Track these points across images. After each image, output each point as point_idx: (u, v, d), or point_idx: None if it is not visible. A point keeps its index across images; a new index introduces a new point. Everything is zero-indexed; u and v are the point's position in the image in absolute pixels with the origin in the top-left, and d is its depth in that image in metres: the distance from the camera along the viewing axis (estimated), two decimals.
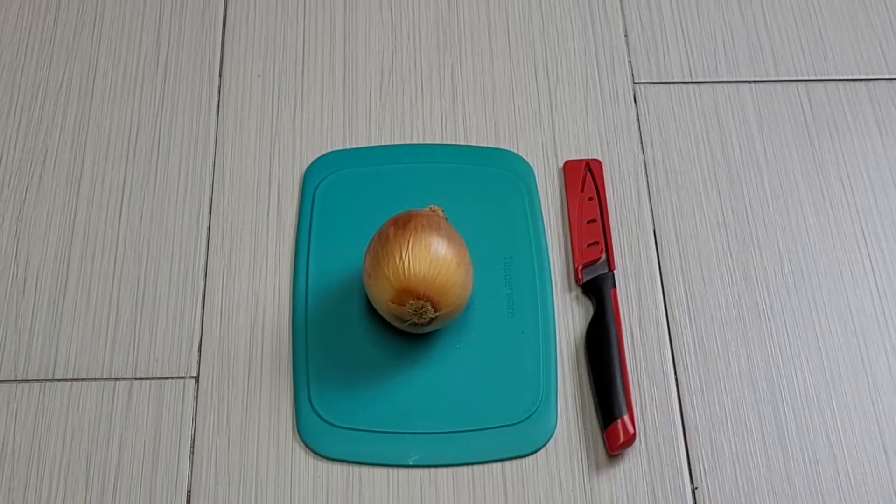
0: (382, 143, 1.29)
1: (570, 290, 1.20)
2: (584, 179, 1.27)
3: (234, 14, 1.37)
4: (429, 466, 1.11)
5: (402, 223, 1.12)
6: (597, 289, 1.19)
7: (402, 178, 1.26)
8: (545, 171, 1.27)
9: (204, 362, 1.16)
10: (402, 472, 1.11)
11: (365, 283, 1.14)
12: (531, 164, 1.27)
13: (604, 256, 1.22)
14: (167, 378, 1.15)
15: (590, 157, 1.28)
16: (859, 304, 1.20)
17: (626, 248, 1.23)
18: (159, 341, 1.17)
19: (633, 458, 1.12)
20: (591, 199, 1.25)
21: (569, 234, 1.23)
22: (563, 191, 1.26)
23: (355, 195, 1.24)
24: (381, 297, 1.12)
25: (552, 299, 1.19)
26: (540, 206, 1.25)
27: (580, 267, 1.21)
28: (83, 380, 1.15)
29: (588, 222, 1.24)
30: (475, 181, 1.22)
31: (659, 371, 1.16)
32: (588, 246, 1.22)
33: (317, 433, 1.12)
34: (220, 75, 1.33)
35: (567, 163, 1.27)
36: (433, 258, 1.10)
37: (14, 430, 1.12)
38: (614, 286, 1.19)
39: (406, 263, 1.10)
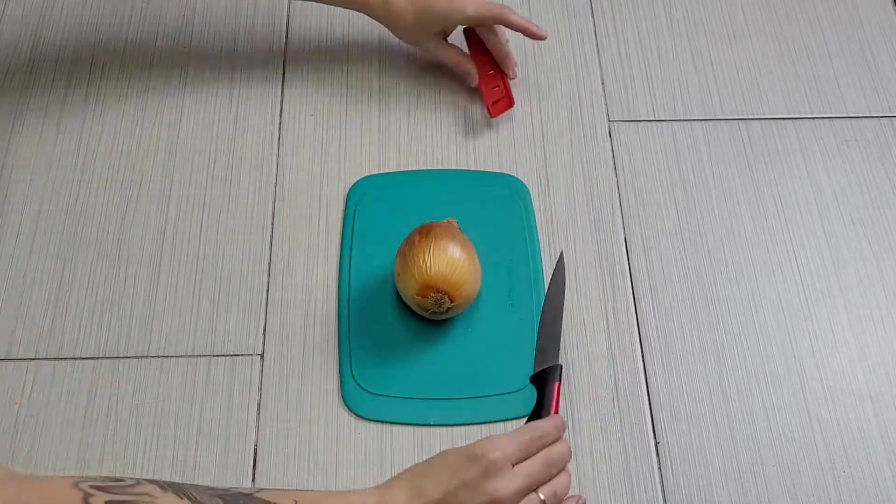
0: (409, 169, 1.29)
1: None
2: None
3: (292, 66, 1.37)
4: (446, 425, 1.12)
5: (425, 232, 1.13)
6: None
7: (425, 196, 1.25)
8: (538, 190, 1.28)
9: (268, 343, 1.16)
10: (425, 429, 1.12)
11: (395, 279, 1.15)
12: (527, 185, 1.28)
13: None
14: (238, 355, 1.15)
15: (574, 184, 1.29)
16: (787, 297, 1.21)
17: (603, 252, 1.23)
18: (232, 326, 1.17)
19: (609, 418, 1.12)
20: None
21: (555, 243, 1.24)
22: (553, 206, 1.27)
23: (388, 210, 1.23)
24: (409, 291, 1.12)
25: (545, 291, 1.19)
26: (534, 217, 1.25)
27: None
28: (172, 356, 1.15)
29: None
30: (483, 198, 1.21)
31: (629, 349, 1.17)
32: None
33: (357, 399, 1.12)
34: (280, 114, 1.33)
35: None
36: (449, 260, 1.11)
37: (117, 396, 1.12)
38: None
39: (428, 264, 1.11)
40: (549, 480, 0.97)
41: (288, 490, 0.95)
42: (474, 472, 0.93)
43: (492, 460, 0.94)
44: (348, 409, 1.12)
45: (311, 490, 0.97)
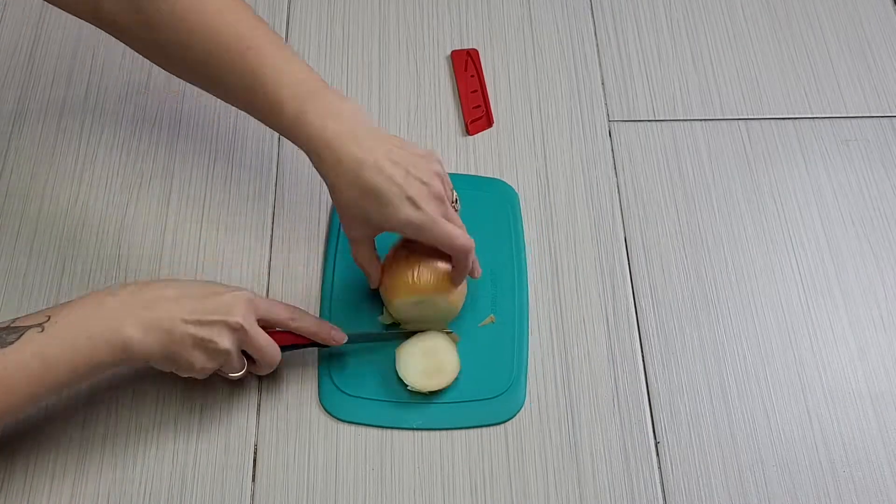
0: None
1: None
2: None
3: None
4: (430, 429, 1.11)
5: (411, 248, 1.12)
6: None
7: None
8: (538, 190, 1.28)
9: None
10: (408, 433, 1.12)
11: (382, 294, 1.14)
12: (526, 187, 1.28)
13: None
14: None
15: (574, 184, 1.29)
16: (787, 297, 1.21)
17: (603, 252, 1.24)
18: None
19: (609, 418, 1.12)
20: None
21: (547, 251, 1.25)
22: (553, 206, 1.27)
23: None
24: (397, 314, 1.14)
25: (527, 299, 1.20)
26: (522, 223, 1.25)
27: None
28: None
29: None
30: (472, 203, 1.18)
31: (629, 349, 1.17)
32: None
33: (335, 402, 1.12)
34: None
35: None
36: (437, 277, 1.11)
37: (117, 396, 1.12)
38: None
39: (416, 280, 1.10)
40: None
41: (42, 309, 0.98)
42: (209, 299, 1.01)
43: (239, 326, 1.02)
44: (325, 411, 1.12)
45: (65, 304, 1.00)
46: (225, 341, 1.00)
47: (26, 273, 1.20)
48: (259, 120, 1.10)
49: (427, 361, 1.12)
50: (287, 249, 1.23)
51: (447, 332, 1.14)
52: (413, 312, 1.12)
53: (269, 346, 1.05)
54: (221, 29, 1.05)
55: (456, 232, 1.05)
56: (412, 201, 1.02)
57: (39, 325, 0.94)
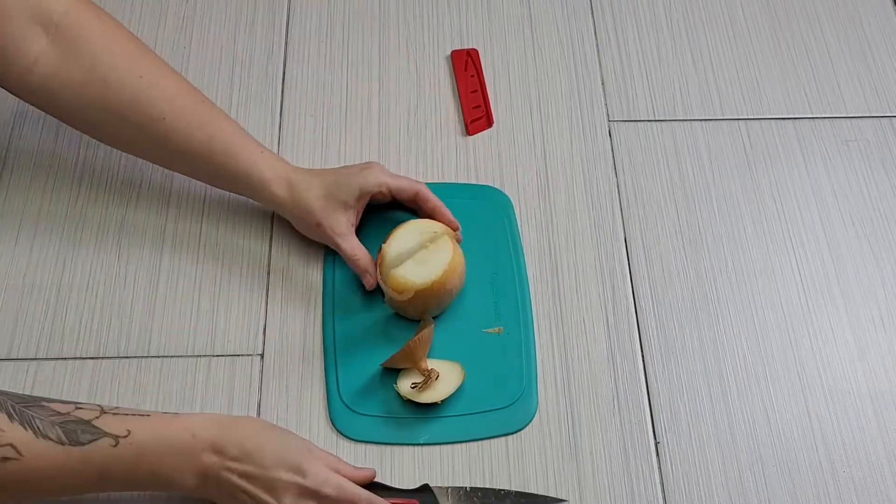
0: (408, 173, 1.26)
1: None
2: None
3: (292, 65, 1.37)
4: (436, 444, 1.11)
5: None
6: None
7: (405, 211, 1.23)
8: (538, 190, 1.28)
9: (268, 343, 1.16)
10: (416, 449, 1.11)
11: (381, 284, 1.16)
12: (526, 187, 1.28)
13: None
14: (238, 355, 1.16)
15: (574, 184, 1.29)
16: (787, 296, 1.21)
17: (603, 252, 1.24)
18: (232, 326, 1.17)
19: (609, 418, 1.12)
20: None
21: (546, 257, 1.24)
22: (553, 206, 1.27)
23: (378, 222, 1.23)
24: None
25: (530, 304, 1.19)
26: (518, 229, 1.24)
27: None
28: (172, 356, 1.15)
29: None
30: (466, 212, 1.20)
31: (629, 350, 1.17)
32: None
33: (344, 420, 1.12)
34: (280, 114, 1.33)
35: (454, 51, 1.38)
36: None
37: (117, 396, 1.12)
38: None
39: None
40: None
41: (127, 416, 0.97)
42: (284, 482, 0.97)
43: (306, 487, 0.98)
44: (336, 430, 1.12)
45: (151, 414, 0.98)
46: None
47: (26, 273, 1.20)
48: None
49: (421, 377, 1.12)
50: (287, 249, 1.23)
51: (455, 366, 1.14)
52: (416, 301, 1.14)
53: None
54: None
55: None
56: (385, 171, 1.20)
57: (116, 439, 0.94)
